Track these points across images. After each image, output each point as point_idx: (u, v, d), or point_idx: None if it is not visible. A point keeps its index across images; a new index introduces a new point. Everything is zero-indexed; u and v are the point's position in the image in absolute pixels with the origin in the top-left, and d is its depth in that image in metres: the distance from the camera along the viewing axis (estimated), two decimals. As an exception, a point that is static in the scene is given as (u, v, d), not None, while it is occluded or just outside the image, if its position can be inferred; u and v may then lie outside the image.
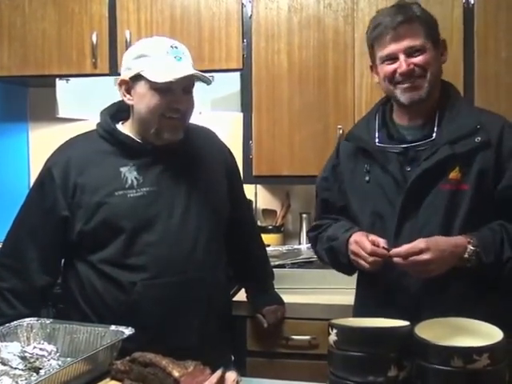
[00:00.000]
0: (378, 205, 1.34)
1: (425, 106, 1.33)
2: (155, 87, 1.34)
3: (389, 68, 1.31)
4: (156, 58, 1.35)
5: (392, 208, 1.31)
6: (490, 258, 1.22)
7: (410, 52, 1.29)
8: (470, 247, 1.21)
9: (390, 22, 1.29)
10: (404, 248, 1.20)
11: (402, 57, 1.29)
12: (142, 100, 1.37)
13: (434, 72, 1.30)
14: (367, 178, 1.35)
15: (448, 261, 1.21)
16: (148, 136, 1.40)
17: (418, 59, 1.29)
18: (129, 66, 1.39)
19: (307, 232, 1.57)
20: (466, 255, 1.21)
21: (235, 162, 1.63)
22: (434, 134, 1.30)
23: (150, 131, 1.38)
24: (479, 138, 1.27)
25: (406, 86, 1.30)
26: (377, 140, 1.36)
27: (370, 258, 1.24)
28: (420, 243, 1.19)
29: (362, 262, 1.26)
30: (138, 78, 1.36)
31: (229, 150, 1.62)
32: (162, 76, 1.33)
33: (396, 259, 1.21)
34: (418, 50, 1.29)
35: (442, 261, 1.20)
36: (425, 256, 1.18)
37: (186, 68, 1.36)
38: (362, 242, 1.26)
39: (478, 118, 1.30)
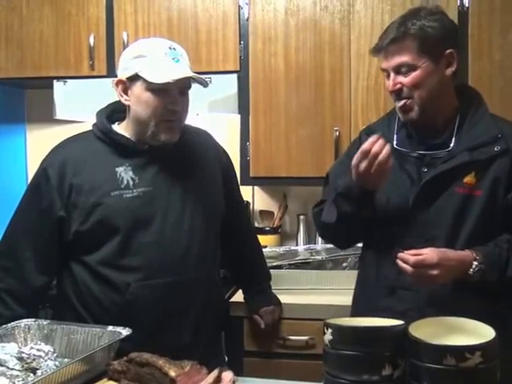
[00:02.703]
0: (391, 200, 1.35)
1: (434, 117, 1.33)
2: (152, 88, 1.35)
3: (387, 83, 1.34)
4: (154, 59, 1.35)
5: (404, 204, 1.32)
6: (493, 276, 1.24)
7: (398, 70, 1.30)
8: (476, 263, 1.23)
9: (383, 40, 1.31)
10: (414, 259, 1.19)
11: (391, 75, 1.31)
12: (139, 101, 1.37)
13: (428, 88, 1.29)
14: None
15: (453, 275, 1.23)
16: (144, 137, 1.40)
17: (406, 79, 1.29)
18: (126, 66, 1.39)
19: (312, 208, 1.54)
20: (471, 271, 1.23)
21: (231, 163, 1.63)
22: (452, 144, 1.31)
23: (147, 133, 1.38)
24: (499, 147, 1.28)
25: (399, 105, 1.33)
26: (395, 142, 1.37)
27: (374, 149, 1.22)
28: (432, 258, 1.19)
29: (366, 167, 1.23)
30: (135, 78, 1.36)
31: (224, 150, 1.62)
32: (160, 77, 1.33)
33: (403, 265, 1.21)
34: (407, 68, 1.28)
35: (448, 275, 1.22)
36: (434, 272, 1.19)
37: (183, 70, 1.37)
38: (357, 154, 1.25)
39: (500, 126, 1.31)
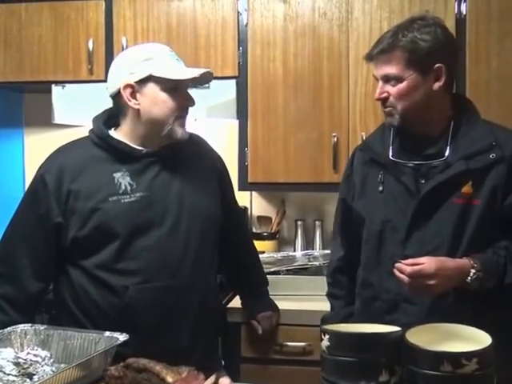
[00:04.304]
0: (390, 213, 1.35)
1: (425, 126, 1.34)
2: (167, 88, 1.38)
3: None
4: (162, 60, 1.39)
5: (403, 217, 1.32)
6: (491, 283, 1.24)
7: (386, 79, 1.32)
8: (474, 271, 1.23)
9: (373, 49, 1.33)
10: (411, 269, 1.20)
11: (380, 83, 1.34)
12: (155, 102, 1.38)
13: (412, 100, 1.30)
14: (381, 188, 1.37)
15: (451, 284, 1.23)
16: (152, 139, 1.41)
17: (392, 90, 1.31)
18: (132, 70, 1.39)
19: (326, 276, 1.58)
20: (469, 279, 1.23)
21: (225, 169, 1.64)
22: (447, 152, 1.32)
23: (163, 132, 1.39)
24: (494, 155, 1.28)
25: (383, 110, 1.35)
26: (390, 154, 1.38)
27: None
28: (430, 268, 1.19)
29: None
30: (145, 80, 1.38)
31: (219, 156, 1.63)
32: (179, 74, 1.38)
33: (400, 275, 1.21)
34: (394, 79, 1.30)
35: (446, 284, 1.22)
36: (431, 282, 1.19)
37: (188, 68, 1.42)
38: None
39: (494, 134, 1.31)
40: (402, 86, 1.30)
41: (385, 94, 1.32)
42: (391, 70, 1.30)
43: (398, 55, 1.29)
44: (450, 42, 1.36)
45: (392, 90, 1.31)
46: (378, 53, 1.31)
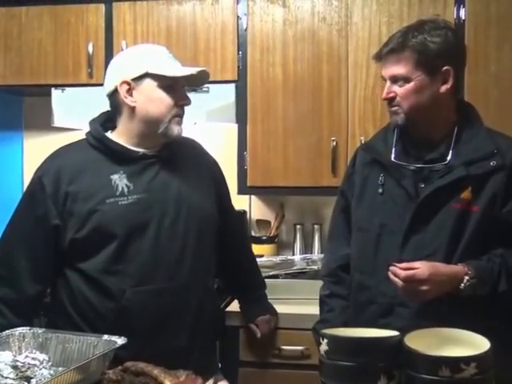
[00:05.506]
0: (388, 217, 1.36)
1: (428, 130, 1.35)
2: (163, 85, 1.38)
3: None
4: (160, 58, 1.40)
5: (401, 221, 1.33)
6: (484, 290, 1.25)
7: (394, 80, 1.32)
8: (467, 278, 1.23)
9: (382, 49, 1.34)
10: (404, 274, 1.20)
11: (388, 83, 1.34)
12: (151, 99, 1.39)
13: (418, 101, 1.30)
14: (380, 191, 1.38)
15: (443, 289, 1.24)
16: (148, 138, 1.42)
17: (400, 90, 1.32)
18: (129, 67, 1.40)
19: (325, 274, 1.55)
20: (462, 286, 1.23)
21: (221, 173, 1.64)
22: (449, 157, 1.32)
23: (159, 130, 1.40)
24: (494, 162, 1.29)
25: (389, 109, 1.36)
26: (393, 155, 1.38)
27: None
28: (423, 273, 1.20)
29: None
30: (142, 77, 1.38)
31: (214, 160, 1.63)
32: (177, 71, 1.38)
33: (394, 279, 1.22)
34: (402, 79, 1.31)
35: (438, 290, 1.22)
36: (424, 287, 1.20)
37: (182, 67, 1.42)
38: None
39: (496, 142, 1.32)
40: (410, 86, 1.30)
41: (392, 94, 1.33)
42: (399, 70, 1.31)
43: (407, 55, 1.30)
44: (460, 46, 1.37)
45: (399, 90, 1.32)
46: (387, 52, 1.32)
